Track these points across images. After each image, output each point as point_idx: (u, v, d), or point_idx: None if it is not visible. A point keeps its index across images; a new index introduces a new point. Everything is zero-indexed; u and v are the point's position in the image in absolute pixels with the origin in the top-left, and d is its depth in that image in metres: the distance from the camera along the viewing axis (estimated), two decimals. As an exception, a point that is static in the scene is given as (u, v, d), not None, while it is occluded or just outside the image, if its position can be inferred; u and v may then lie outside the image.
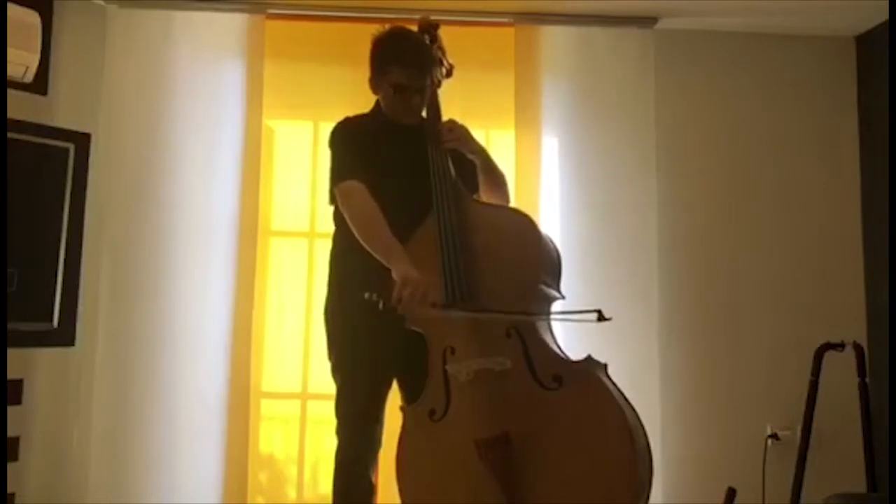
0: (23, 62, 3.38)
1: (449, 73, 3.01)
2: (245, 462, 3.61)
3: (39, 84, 3.54)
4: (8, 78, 3.32)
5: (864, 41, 3.97)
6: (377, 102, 2.92)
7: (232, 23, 3.77)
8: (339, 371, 2.82)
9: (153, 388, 3.57)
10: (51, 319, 3.44)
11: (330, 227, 2.91)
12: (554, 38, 3.85)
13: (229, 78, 3.76)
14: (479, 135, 2.95)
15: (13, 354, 3.08)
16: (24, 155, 3.34)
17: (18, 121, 3.32)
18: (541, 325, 2.66)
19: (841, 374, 3.34)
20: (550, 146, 3.82)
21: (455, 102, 2.98)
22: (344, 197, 2.75)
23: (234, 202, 3.70)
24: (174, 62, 3.73)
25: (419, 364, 2.71)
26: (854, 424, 3.30)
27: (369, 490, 2.77)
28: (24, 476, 3.44)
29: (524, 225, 2.76)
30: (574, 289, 3.06)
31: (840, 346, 3.31)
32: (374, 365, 2.77)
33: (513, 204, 3.08)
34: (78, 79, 3.70)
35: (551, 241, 2.83)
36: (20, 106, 3.39)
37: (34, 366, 3.52)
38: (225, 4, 3.74)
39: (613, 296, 3.66)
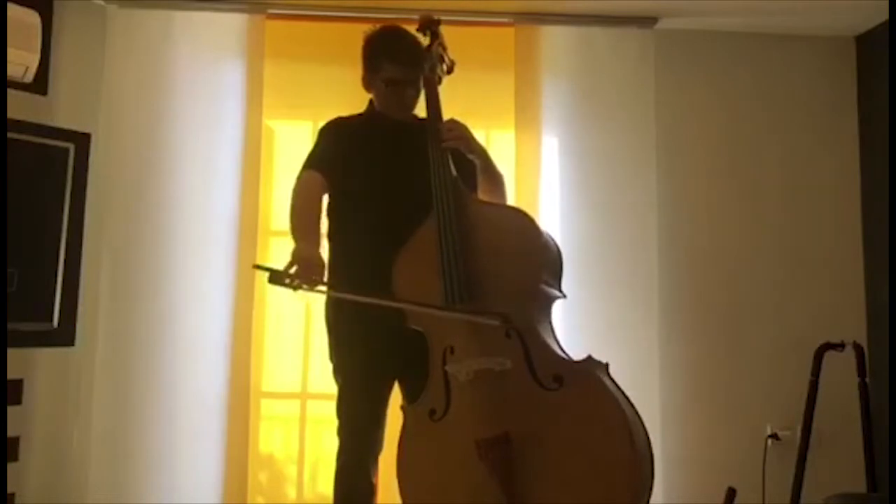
0: (23, 62, 3.38)
1: (450, 70, 3.01)
2: (245, 462, 3.61)
3: (39, 84, 3.53)
4: (8, 78, 3.32)
5: (864, 41, 3.97)
6: (370, 102, 2.94)
7: (232, 23, 3.77)
8: (340, 372, 2.83)
9: (153, 388, 3.57)
10: (51, 319, 3.43)
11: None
12: (554, 38, 3.85)
13: (229, 78, 3.76)
14: (479, 135, 2.95)
15: (13, 354, 3.08)
16: (24, 155, 3.34)
17: (18, 121, 3.32)
18: (541, 325, 2.66)
19: (841, 374, 3.34)
20: (550, 146, 3.82)
21: (455, 102, 2.97)
22: (297, 182, 2.82)
23: (234, 202, 3.70)
24: (174, 62, 3.73)
25: (420, 364, 2.71)
26: (854, 424, 3.30)
27: (370, 491, 2.77)
28: (24, 476, 3.43)
29: (525, 224, 2.75)
30: (574, 289, 3.06)
31: (840, 346, 3.31)
32: (375, 366, 2.78)
33: (513, 200, 3.08)
34: (78, 79, 3.70)
35: (552, 240, 2.82)
36: (20, 106, 3.39)
37: (34, 366, 3.52)
38: (225, 4, 3.74)
39: (613, 296, 3.67)
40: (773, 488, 3.54)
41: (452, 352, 2.65)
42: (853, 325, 3.65)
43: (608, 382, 2.59)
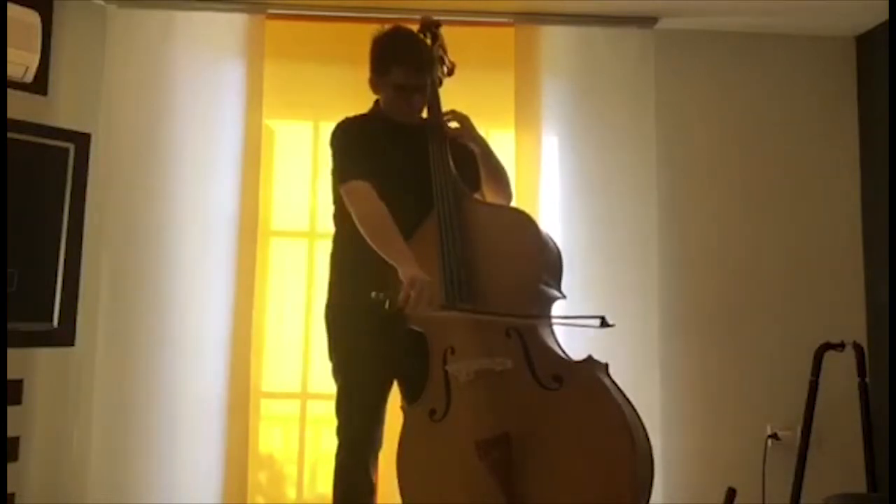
0: (23, 62, 3.38)
1: (450, 72, 3.02)
2: (245, 462, 3.60)
3: (39, 84, 3.53)
4: (8, 78, 3.32)
5: (864, 41, 3.97)
6: (376, 102, 2.93)
7: (232, 23, 3.76)
8: (339, 372, 2.82)
9: (153, 387, 3.57)
10: (51, 319, 3.43)
11: (330, 228, 2.91)
12: (554, 38, 3.85)
13: (229, 78, 3.76)
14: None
15: (13, 354, 3.08)
16: (24, 155, 3.34)
17: (18, 121, 3.31)
18: (541, 326, 2.66)
19: (841, 374, 3.34)
20: (550, 146, 3.82)
21: (455, 102, 2.97)
22: (351, 197, 2.73)
23: (234, 202, 3.70)
24: (174, 62, 3.73)
25: (420, 364, 2.71)
26: (854, 424, 3.30)
27: (369, 490, 2.77)
28: (24, 476, 3.44)
29: (524, 224, 2.76)
30: (574, 289, 3.06)
31: (840, 346, 3.31)
32: (374, 365, 2.77)
33: (513, 203, 3.09)
34: (78, 79, 3.70)
35: (552, 241, 2.83)
36: (20, 106, 3.39)
37: (34, 366, 3.52)
38: (225, 4, 3.74)
39: (614, 296, 3.67)
40: (773, 488, 3.53)
41: (453, 352, 2.65)
42: (853, 325, 3.65)
43: (608, 382, 2.59)
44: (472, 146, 2.89)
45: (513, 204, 3.08)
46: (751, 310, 3.84)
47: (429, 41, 2.98)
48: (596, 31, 3.83)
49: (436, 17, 3.05)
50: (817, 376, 3.33)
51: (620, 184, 3.77)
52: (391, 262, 2.57)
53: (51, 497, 3.49)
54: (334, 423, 2.81)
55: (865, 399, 3.26)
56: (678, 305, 3.78)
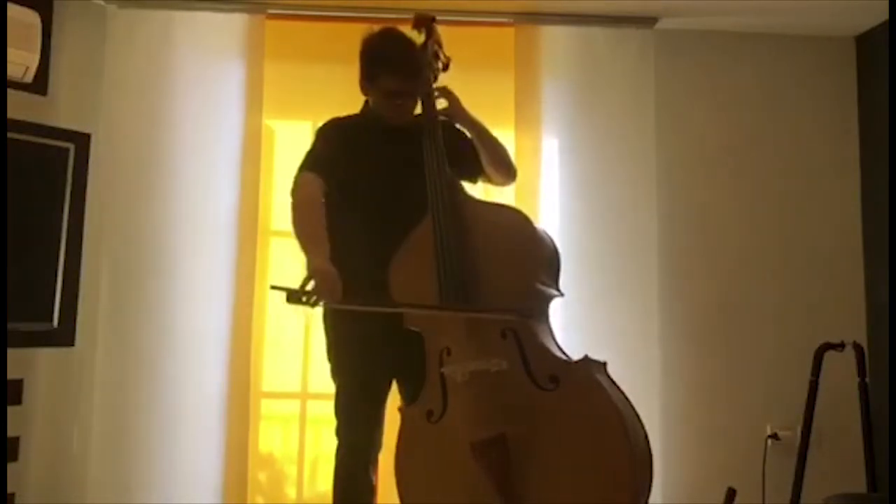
0: (23, 62, 3.38)
1: (446, 67, 3.00)
2: (245, 462, 3.61)
3: (39, 84, 3.54)
4: (8, 78, 3.32)
5: (864, 41, 3.96)
6: (366, 102, 2.93)
7: (232, 23, 3.76)
8: (338, 373, 2.83)
9: (153, 388, 3.57)
10: (51, 319, 3.44)
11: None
12: (554, 38, 3.84)
13: (229, 78, 3.76)
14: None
15: (13, 354, 3.08)
16: (24, 155, 3.34)
17: (18, 121, 3.32)
18: (538, 325, 2.65)
19: (841, 374, 3.33)
20: (550, 146, 3.82)
21: (455, 103, 2.97)
22: (295, 185, 2.78)
23: (234, 202, 3.70)
24: (174, 62, 3.73)
25: (418, 365, 2.71)
26: (854, 424, 3.29)
27: (369, 490, 2.77)
28: (24, 476, 3.44)
29: (520, 223, 2.74)
30: (574, 289, 3.06)
31: (840, 346, 3.31)
32: (372, 366, 2.77)
33: (513, 203, 3.08)
34: (78, 79, 3.70)
35: (549, 239, 2.81)
36: (20, 106, 3.39)
37: (34, 366, 3.53)
38: (225, 4, 3.74)
39: (613, 295, 3.67)
40: (773, 488, 3.53)
41: (449, 353, 2.64)
42: (853, 325, 3.65)
43: (605, 382, 2.58)
44: (464, 127, 2.89)
45: (512, 202, 3.08)
46: (751, 310, 3.84)
47: (423, 36, 2.97)
48: (596, 31, 3.83)
49: (435, 17, 3.04)
50: (817, 376, 3.33)
51: (620, 184, 3.77)
52: (303, 251, 2.63)
53: (51, 497, 3.50)
54: (334, 423, 2.81)
55: (865, 399, 3.26)
56: (678, 305, 3.78)
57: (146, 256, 3.63)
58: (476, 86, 3.53)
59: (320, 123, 2.98)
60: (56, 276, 3.45)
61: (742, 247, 3.89)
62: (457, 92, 2.99)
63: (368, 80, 2.84)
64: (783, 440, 3.68)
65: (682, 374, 3.75)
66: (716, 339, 3.82)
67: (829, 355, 3.32)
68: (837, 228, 3.90)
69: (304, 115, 3.91)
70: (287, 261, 3.81)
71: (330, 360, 2.85)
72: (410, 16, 3.07)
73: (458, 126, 2.95)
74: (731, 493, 3.24)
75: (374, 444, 2.78)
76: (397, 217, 2.73)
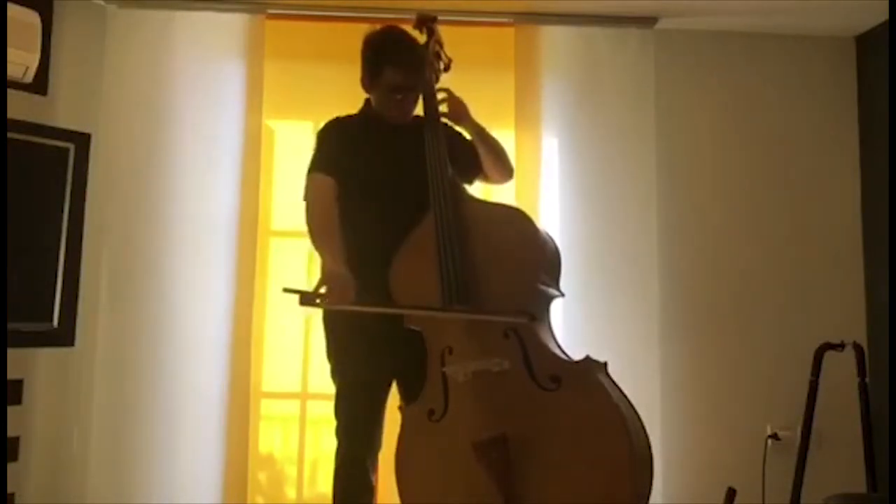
0: (23, 62, 3.38)
1: (447, 68, 3.01)
2: (245, 462, 3.61)
3: (39, 84, 3.53)
4: (8, 78, 3.32)
5: (864, 41, 3.96)
6: (366, 101, 2.93)
7: (232, 23, 3.76)
8: (337, 372, 2.83)
9: (153, 388, 3.57)
10: (51, 319, 3.44)
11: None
12: (554, 38, 3.84)
13: (229, 78, 3.76)
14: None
15: (13, 354, 3.09)
16: (24, 155, 3.34)
17: (18, 121, 3.32)
18: (540, 325, 2.66)
19: (841, 374, 3.33)
20: (550, 146, 3.82)
21: (455, 103, 2.98)
22: (308, 187, 2.78)
23: (234, 202, 3.70)
24: (174, 62, 3.73)
25: (418, 364, 2.71)
26: (854, 424, 3.29)
27: (369, 490, 2.77)
28: (24, 476, 3.44)
29: (522, 223, 2.75)
30: (574, 289, 3.06)
31: (840, 346, 3.31)
32: (372, 366, 2.77)
33: (513, 202, 3.08)
34: (78, 79, 3.70)
35: (550, 239, 2.82)
36: (20, 106, 3.39)
37: (34, 366, 3.52)
38: (225, 4, 3.74)
39: (613, 296, 3.67)
40: (773, 488, 3.53)
41: (451, 352, 2.65)
42: (853, 325, 3.64)
43: (606, 382, 2.59)
44: (466, 129, 2.89)
45: (512, 201, 3.08)
46: (751, 310, 3.84)
47: (425, 36, 2.98)
48: (596, 31, 3.83)
49: (437, 17, 3.05)
50: (817, 376, 3.33)
51: (620, 184, 3.77)
52: (317, 253, 2.63)
53: (51, 497, 3.50)
54: (334, 423, 2.81)
55: (865, 399, 3.26)
56: (678, 305, 3.78)
57: (146, 256, 3.63)
58: (476, 86, 3.54)
59: (320, 123, 2.98)
60: (56, 276, 3.45)
61: (742, 246, 3.88)
62: (457, 92, 3.01)
63: (371, 75, 2.84)
64: (783, 440, 3.68)
65: (682, 374, 3.75)
66: (716, 338, 3.82)
67: (829, 355, 3.33)
68: (837, 228, 3.90)
69: (304, 115, 3.91)
70: (287, 261, 3.82)
71: (330, 360, 2.85)
72: (411, 16, 3.09)
73: (458, 128, 2.95)
74: (731, 493, 3.24)
75: (374, 445, 2.79)
76: (400, 216, 2.73)
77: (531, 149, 3.77)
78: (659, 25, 3.85)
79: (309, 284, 3.69)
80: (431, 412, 2.67)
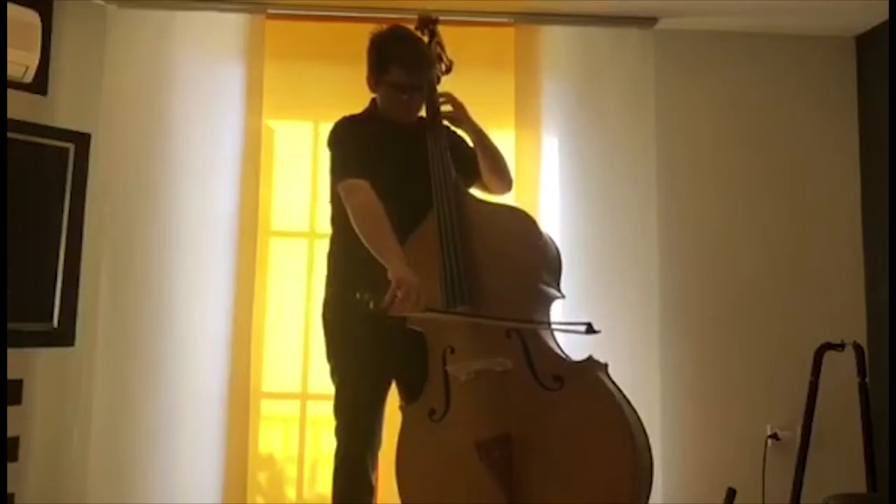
0: (23, 62, 3.38)
1: (448, 70, 3.02)
2: (245, 462, 3.61)
3: (39, 84, 3.53)
4: (8, 78, 3.32)
5: (864, 41, 3.96)
6: (372, 101, 2.93)
7: (232, 23, 3.76)
8: (337, 372, 2.82)
9: (153, 388, 3.57)
10: (51, 319, 3.43)
11: (329, 227, 2.91)
12: (554, 38, 3.85)
13: (229, 78, 3.76)
14: (479, 135, 2.95)
15: (13, 354, 3.08)
16: (24, 155, 3.34)
17: (18, 121, 3.31)
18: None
19: (841, 374, 3.34)
20: (550, 146, 3.82)
21: (455, 103, 2.98)
22: (347, 193, 2.72)
23: (234, 202, 3.70)
24: (174, 62, 3.73)
25: (418, 364, 2.71)
26: (854, 424, 3.30)
27: (369, 490, 2.77)
28: (24, 476, 3.44)
29: (524, 224, 2.76)
30: (574, 289, 3.06)
31: (840, 346, 3.31)
32: (372, 365, 2.77)
33: (513, 202, 3.08)
34: (78, 79, 3.70)
35: (551, 240, 2.83)
36: (20, 106, 3.39)
37: (34, 366, 3.53)
38: (225, 4, 3.74)
39: (613, 296, 3.67)
40: (773, 488, 3.53)
41: (453, 352, 2.65)
42: (853, 325, 3.65)
43: (608, 382, 2.60)
44: (466, 129, 2.89)
45: (512, 201, 3.08)
46: (751, 310, 3.84)
47: (426, 38, 2.98)
48: (596, 31, 3.83)
49: (438, 19, 3.05)
50: (817, 376, 3.33)
51: (620, 184, 3.77)
52: (381, 260, 2.56)
53: (51, 497, 3.50)
54: (334, 423, 2.81)
55: (865, 399, 3.26)
56: (678, 305, 3.78)
57: (146, 256, 3.63)
58: (476, 85, 3.55)
59: (320, 123, 2.99)
60: (56, 276, 3.44)
61: (742, 246, 3.88)
62: (457, 92, 3.01)
63: (377, 73, 2.84)
64: (783, 440, 3.68)
65: (681, 374, 3.75)
66: (715, 338, 3.82)
67: (829, 355, 3.33)
68: (837, 228, 3.90)
69: (304, 115, 3.91)
70: (287, 261, 3.82)
71: (330, 360, 2.84)
72: (411, 16, 3.10)
73: (459, 132, 2.96)
74: (731, 493, 3.24)
75: (374, 444, 2.78)
76: (400, 216, 2.72)
77: (531, 149, 3.78)
78: (659, 25, 3.85)
79: (309, 284, 3.74)
80: (432, 411, 2.67)
